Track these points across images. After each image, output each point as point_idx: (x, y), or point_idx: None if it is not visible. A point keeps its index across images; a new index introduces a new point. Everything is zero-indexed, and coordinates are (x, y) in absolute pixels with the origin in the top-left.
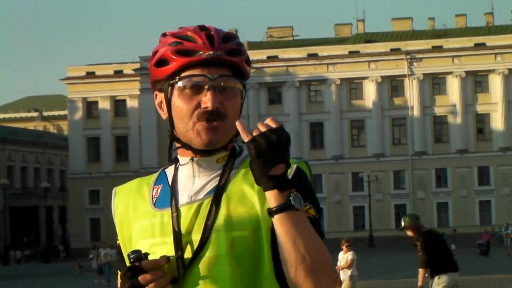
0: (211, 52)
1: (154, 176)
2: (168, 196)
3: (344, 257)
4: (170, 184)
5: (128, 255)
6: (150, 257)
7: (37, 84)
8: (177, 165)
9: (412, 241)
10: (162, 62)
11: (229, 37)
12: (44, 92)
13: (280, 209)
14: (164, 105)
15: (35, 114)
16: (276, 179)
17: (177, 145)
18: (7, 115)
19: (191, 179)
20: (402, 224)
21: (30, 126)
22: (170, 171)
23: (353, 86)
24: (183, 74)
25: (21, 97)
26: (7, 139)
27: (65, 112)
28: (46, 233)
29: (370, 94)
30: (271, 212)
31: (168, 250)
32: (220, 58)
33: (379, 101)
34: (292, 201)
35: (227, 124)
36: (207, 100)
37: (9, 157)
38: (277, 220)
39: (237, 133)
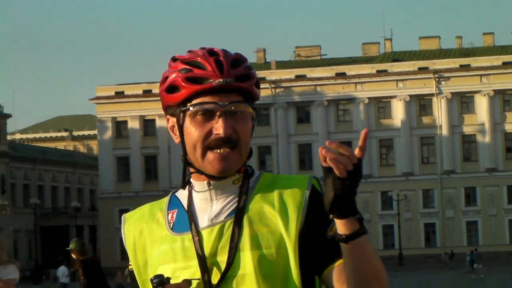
0: (221, 80)
1: (165, 200)
2: (186, 220)
3: None
4: (186, 208)
5: (151, 280)
6: (172, 281)
7: (67, 104)
8: (190, 189)
9: (77, 265)
10: (172, 88)
11: (238, 62)
12: (74, 112)
13: (358, 234)
14: (176, 130)
15: (65, 133)
16: (354, 207)
17: (192, 170)
18: (37, 135)
19: (209, 202)
20: (70, 246)
21: (60, 145)
22: (181, 195)
23: (381, 105)
24: (194, 101)
25: (51, 117)
26: (37, 159)
27: (95, 131)
28: (79, 253)
29: (398, 113)
30: (348, 238)
31: (193, 273)
32: (229, 85)
33: (407, 120)
34: (364, 226)
35: (240, 148)
36: (219, 127)
37: (39, 177)
38: (356, 244)
39: (250, 155)
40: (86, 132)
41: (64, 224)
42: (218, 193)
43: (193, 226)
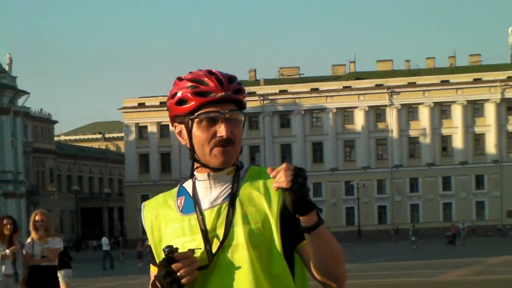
0: (223, 93)
1: (175, 190)
2: (191, 204)
3: None
4: (191, 195)
5: (164, 249)
6: (180, 251)
7: (101, 112)
8: (194, 180)
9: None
10: (181, 101)
11: (232, 79)
12: (106, 119)
13: (316, 226)
14: (184, 134)
15: (99, 136)
16: (311, 205)
17: (197, 165)
18: (77, 137)
19: (209, 189)
20: None
21: (95, 145)
22: (187, 185)
23: (346, 114)
24: (200, 111)
25: (88, 123)
26: (78, 156)
27: (122, 134)
28: (108, 228)
29: (359, 120)
30: (310, 229)
31: (197, 244)
32: (229, 97)
33: (366, 126)
34: (321, 218)
35: (235, 147)
36: (222, 130)
37: (79, 170)
38: (315, 233)
39: (240, 151)
40: (115, 135)
41: (98, 206)
42: (216, 182)
43: (197, 208)
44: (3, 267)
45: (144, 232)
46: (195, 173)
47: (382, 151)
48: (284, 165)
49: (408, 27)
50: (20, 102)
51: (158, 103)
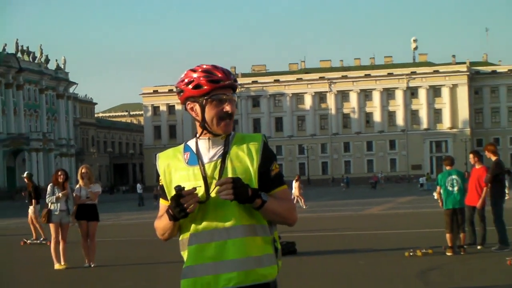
0: (229, 81)
1: (181, 147)
2: (195, 158)
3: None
4: (195, 152)
5: (174, 188)
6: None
7: (127, 96)
8: (196, 140)
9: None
10: (198, 86)
11: (230, 72)
12: (130, 101)
13: (261, 206)
14: (197, 110)
15: (125, 113)
16: (254, 197)
17: (204, 131)
18: (110, 114)
19: (208, 149)
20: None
21: (123, 120)
22: (191, 144)
23: (298, 97)
24: (212, 94)
25: (118, 104)
26: (111, 127)
27: (142, 112)
28: (133, 178)
29: (308, 102)
30: (257, 208)
31: (199, 188)
32: (232, 84)
33: (313, 106)
34: (264, 198)
35: (232, 120)
36: (228, 108)
37: (112, 137)
38: (262, 210)
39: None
40: (137, 112)
41: (125, 162)
42: (213, 144)
43: (199, 162)
44: (59, 205)
45: (157, 180)
46: (197, 135)
47: (324, 123)
48: (224, 180)
49: (342, 37)
50: (71, 89)
51: (167, 90)
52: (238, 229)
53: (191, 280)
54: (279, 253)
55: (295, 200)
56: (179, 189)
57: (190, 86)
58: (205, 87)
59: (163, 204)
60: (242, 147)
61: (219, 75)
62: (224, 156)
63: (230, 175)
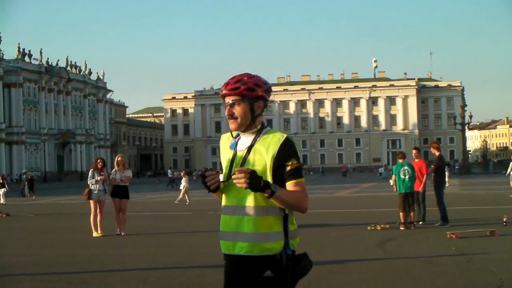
0: (223, 91)
1: (230, 134)
2: (234, 145)
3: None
4: (236, 140)
5: (201, 170)
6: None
7: (151, 101)
8: (238, 134)
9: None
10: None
11: (237, 80)
12: (154, 105)
13: (271, 196)
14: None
15: (150, 114)
16: (264, 187)
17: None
18: (139, 115)
19: (241, 141)
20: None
21: (148, 120)
22: (238, 135)
23: (284, 104)
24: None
25: (145, 107)
26: (138, 125)
27: (163, 114)
28: (155, 165)
29: (292, 107)
30: (268, 197)
31: (226, 166)
32: (224, 94)
33: (295, 111)
34: (274, 189)
35: (238, 120)
36: (226, 111)
37: (139, 133)
38: (273, 198)
39: (254, 119)
40: (159, 114)
41: (149, 153)
42: (245, 137)
43: (235, 148)
44: (98, 186)
45: (175, 166)
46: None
47: (304, 125)
48: (244, 169)
49: (319, 57)
50: (108, 95)
51: (182, 97)
52: (253, 209)
53: (221, 242)
54: (293, 232)
55: None
56: (203, 171)
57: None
58: (221, 94)
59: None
60: (265, 143)
61: (223, 85)
62: (250, 148)
63: (249, 165)
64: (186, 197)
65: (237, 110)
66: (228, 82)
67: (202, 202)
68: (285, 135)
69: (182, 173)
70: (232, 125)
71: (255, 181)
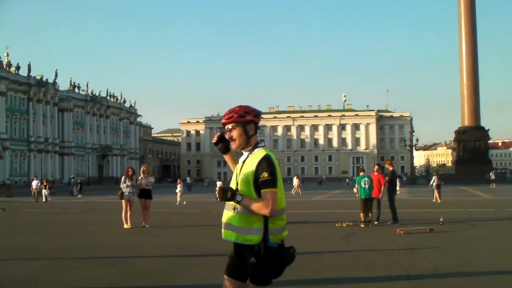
0: (223, 120)
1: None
2: (240, 161)
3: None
4: (244, 158)
5: (220, 129)
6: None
7: (171, 124)
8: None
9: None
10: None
11: (232, 111)
12: (173, 127)
13: (239, 202)
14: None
15: (170, 134)
16: (231, 198)
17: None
18: (161, 134)
19: (242, 157)
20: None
21: (169, 138)
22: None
23: (273, 129)
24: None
25: (166, 128)
26: (161, 142)
27: (180, 134)
28: (173, 174)
29: (280, 131)
30: (239, 203)
31: (234, 179)
32: (224, 123)
33: (282, 134)
34: (238, 199)
35: (236, 141)
36: (226, 135)
37: (161, 148)
38: (241, 204)
39: (248, 140)
40: (177, 134)
41: (169, 164)
42: (244, 153)
43: (238, 163)
44: (128, 189)
45: (189, 175)
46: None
47: (289, 144)
48: (218, 188)
49: (302, 92)
50: (138, 119)
51: (195, 121)
52: (240, 209)
53: (222, 230)
54: (275, 230)
55: (295, 190)
56: (223, 132)
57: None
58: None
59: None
60: (252, 159)
61: (223, 118)
62: (243, 163)
63: (242, 175)
64: (179, 199)
65: (234, 133)
66: (225, 113)
67: (209, 203)
68: (264, 154)
69: (178, 180)
70: (233, 145)
71: (223, 195)
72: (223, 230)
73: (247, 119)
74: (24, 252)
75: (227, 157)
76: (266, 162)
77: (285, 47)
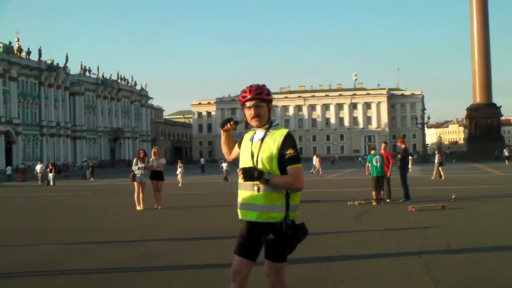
0: (250, 95)
1: (252, 132)
2: (253, 139)
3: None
4: (254, 135)
5: (228, 119)
6: (241, 158)
7: (182, 105)
8: (255, 129)
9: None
10: (239, 101)
11: (258, 87)
12: (185, 109)
13: (268, 180)
14: (243, 112)
15: (181, 116)
16: (259, 177)
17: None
18: (173, 116)
19: (257, 134)
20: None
21: (180, 120)
22: (255, 132)
23: (285, 109)
24: (244, 104)
25: (177, 110)
26: (172, 124)
27: (191, 116)
28: (185, 155)
29: (291, 111)
30: (267, 182)
31: (249, 155)
32: (253, 97)
33: (294, 113)
34: (267, 177)
35: (260, 118)
36: (250, 111)
37: (173, 130)
38: (270, 183)
39: (269, 118)
40: (189, 115)
41: (181, 146)
42: (258, 131)
43: (252, 141)
44: (140, 171)
45: (201, 156)
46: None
47: (301, 124)
48: (240, 168)
49: (313, 72)
50: (149, 101)
51: (206, 102)
52: (262, 187)
53: (239, 210)
54: (294, 207)
55: (316, 168)
56: (225, 121)
57: (239, 100)
58: (240, 101)
59: (237, 148)
60: (273, 136)
61: (247, 92)
62: (262, 140)
63: (264, 152)
64: (181, 180)
65: (260, 110)
66: (251, 89)
67: (219, 184)
68: (287, 130)
69: (179, 162)
70: (255, 122)
71: (249, 176)
72: (240, 210)
73: (271, 98)
74: (38, 236)
75: (226, 135)
76: (290, 139)
77: (295, 28)
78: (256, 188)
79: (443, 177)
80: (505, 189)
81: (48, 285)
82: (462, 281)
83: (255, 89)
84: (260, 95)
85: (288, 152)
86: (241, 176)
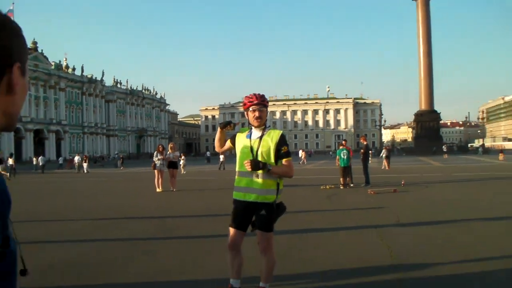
0: (257, 101)
1: (245, 131)
2: (249, 137)
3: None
4: (250, 134)
5: (225, 122)
6: (239, 155)
7: (192, 111)
8: (250, 128)
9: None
10: (244, 104)
11: (261, 96)
12: (194, 113)
13: (269, 170)
14: (247, 115)
15: (192, 118)
16: (263, 167)
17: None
18: (185, 119)
19: (254, 133)
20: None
21: (191, 122)
22: (252, 129)
23: (273, 113)
24: (249, 108)
25: (189, 114)
26: (185, 125)
27: (199, 118)
28: (195, 150)
29: (277, 115)
30: (268, 171)
31: (248, 152)
32: (258, 103)
33: (280, 117)
34: (269, 167)
35: (261, 121)
36: (255, 113)
37: (186, 130)
38: (271, 172)
39: (265, 121)
40: (198, 118)
41: (191, 142)
42: (256, 131)
43: (250, 138)
44: (160, 161)
45: (207, 150)
46: (250, 125)
47: (285, 125)
48: (249, 160)
49: (294, 84)
50: (167, 107)
51: (212, 108)
52: (261, 175)
53: (235, 192)
54: (281, 190)
55: (302, 160)
56: (225, 123)
57: (244, 103)
58: (246, 105)
59: (229, 143)
60: (270, 135)
61: (254, 99)
62: (260, 138)
63: (264, 148)
64: (183, 169)
65: (262, 114)
66: (257, 96)
67: (221, 173)
68: (281, 132)
69: (182, 154)
70: (257, 123)
71: (255, 166)
72: (240, 193)
73: (268, 105)
74: (74, 213)
75: (222, 133)
76: (284, 138)
77: (284, 49)
78: (255, 175)
79: (387, 168)
80: (442, 176)
81: (91, 247)
82: (408, 246)
83: (260, 96)
84: (263, 102)
85: (283, 148)
86: (249, 166)
